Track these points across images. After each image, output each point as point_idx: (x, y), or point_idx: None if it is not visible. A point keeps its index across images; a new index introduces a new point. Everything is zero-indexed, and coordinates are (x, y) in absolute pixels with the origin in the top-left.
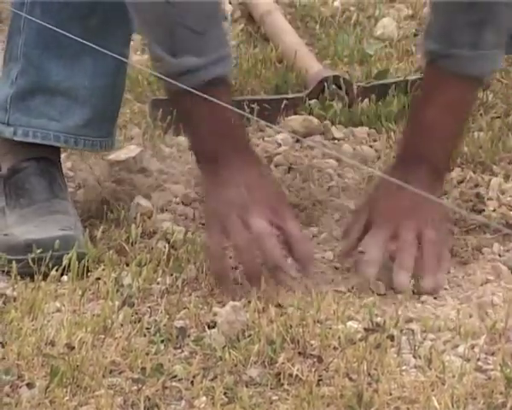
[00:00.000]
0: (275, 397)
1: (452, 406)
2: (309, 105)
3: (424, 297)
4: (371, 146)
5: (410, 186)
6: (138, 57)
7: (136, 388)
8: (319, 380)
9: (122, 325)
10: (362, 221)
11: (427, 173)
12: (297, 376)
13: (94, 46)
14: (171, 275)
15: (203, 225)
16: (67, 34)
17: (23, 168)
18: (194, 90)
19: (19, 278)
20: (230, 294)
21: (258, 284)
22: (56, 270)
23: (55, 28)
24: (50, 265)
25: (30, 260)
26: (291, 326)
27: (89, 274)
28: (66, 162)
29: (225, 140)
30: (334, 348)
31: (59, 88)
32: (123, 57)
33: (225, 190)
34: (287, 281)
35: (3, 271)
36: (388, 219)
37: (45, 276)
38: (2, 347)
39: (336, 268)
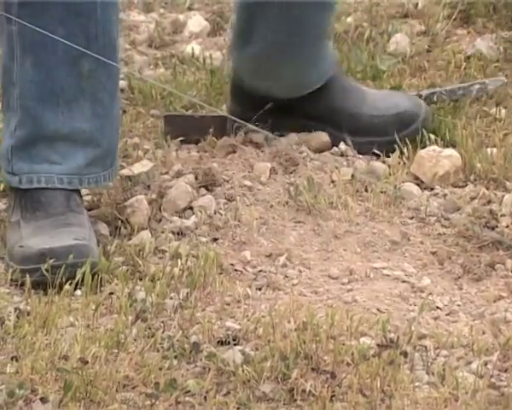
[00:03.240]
0: None
1: None
2: None
3: (437, 313)
4: (384, 162)
5: None
6: (151, 72)
7: (149, 403)
8: (332, 396)
9: (135, 339)
10: None
11: None
12: (310, 392)
13: None
14: (185, 290)
15: (215, 240)
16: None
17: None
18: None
19: (32, 292)
20: None
21: None
22: (70, 284)
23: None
24: (63, 273)
25: (43, 270)
26: (304, 342)
27: (102, 289)
28: None
29: None
30: (348, 364)
31: (58, 135)
32: (117, 92)
33: None
34: None
35: (17, 284)
36: None
37: (60, 288)
38: (16, 361)
39: (342, 284)
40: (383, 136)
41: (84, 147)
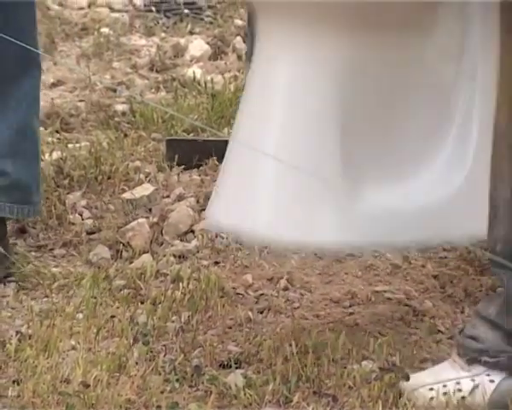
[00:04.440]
0: None
1: None
2: None
3: (439, 337)
4: None
5: None
6: (152, 95)
7: None
8: None
9: (137, 363)
10: None
11: None
12: None
13: None
14: (186, 313)
15: (217, 263)
16: None
17: None
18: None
19: (34, 315)
20: None
21: None
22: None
23: None
24: None
25: None
26: (306, 365)
27: (103, 312)
28: (81, 200)
29: None
30: (349, 388)
31: None
32: (29, 116)
33: None
34: None
35: (19, 307)
36: None
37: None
38: (18, 384)
39: (344, 307)
40: None
41: None
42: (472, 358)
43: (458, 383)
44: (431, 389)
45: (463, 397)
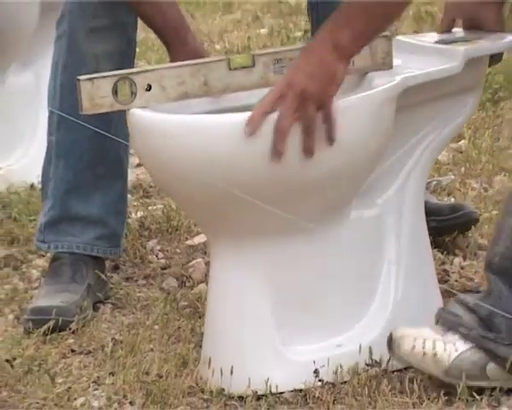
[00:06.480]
0: None
1: None
2: None
3: None
4: None
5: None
6: None
7: (205, 405)
8: (334, 400)
9: (196, 360)
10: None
11: (331, 47)
12: (319, 397)
13: None
14: None
15: None
16: None
17: (61, 258)
18: None
19: (124, 326)
20: None
21: None
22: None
23: None
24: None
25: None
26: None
27: (172, 325)
28: (157, 246)
29: None
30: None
31: (78, 216)
32: (123, 194)
33: None
34: None
35: (113, 321)
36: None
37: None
38: (112, 375)
39: None
40: None
41: (94, 226)
42: (449, 327)
43: (434, 343)
44: (414, 339)
45: (435, 354)
